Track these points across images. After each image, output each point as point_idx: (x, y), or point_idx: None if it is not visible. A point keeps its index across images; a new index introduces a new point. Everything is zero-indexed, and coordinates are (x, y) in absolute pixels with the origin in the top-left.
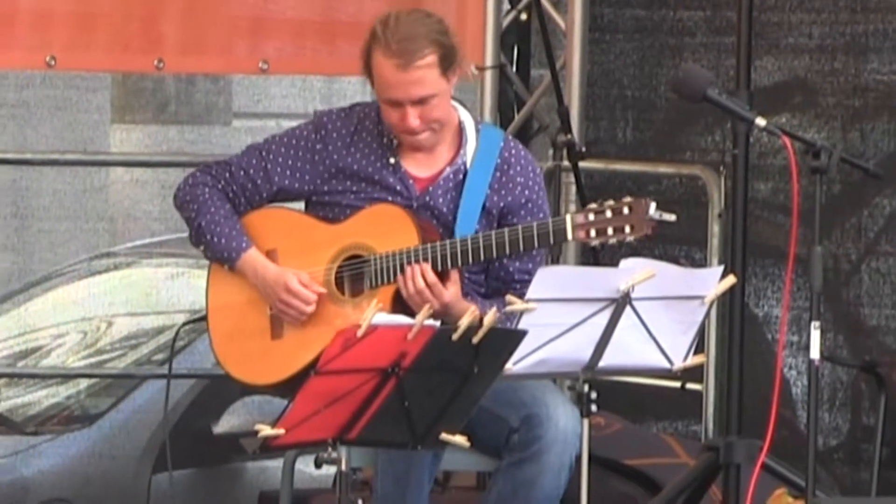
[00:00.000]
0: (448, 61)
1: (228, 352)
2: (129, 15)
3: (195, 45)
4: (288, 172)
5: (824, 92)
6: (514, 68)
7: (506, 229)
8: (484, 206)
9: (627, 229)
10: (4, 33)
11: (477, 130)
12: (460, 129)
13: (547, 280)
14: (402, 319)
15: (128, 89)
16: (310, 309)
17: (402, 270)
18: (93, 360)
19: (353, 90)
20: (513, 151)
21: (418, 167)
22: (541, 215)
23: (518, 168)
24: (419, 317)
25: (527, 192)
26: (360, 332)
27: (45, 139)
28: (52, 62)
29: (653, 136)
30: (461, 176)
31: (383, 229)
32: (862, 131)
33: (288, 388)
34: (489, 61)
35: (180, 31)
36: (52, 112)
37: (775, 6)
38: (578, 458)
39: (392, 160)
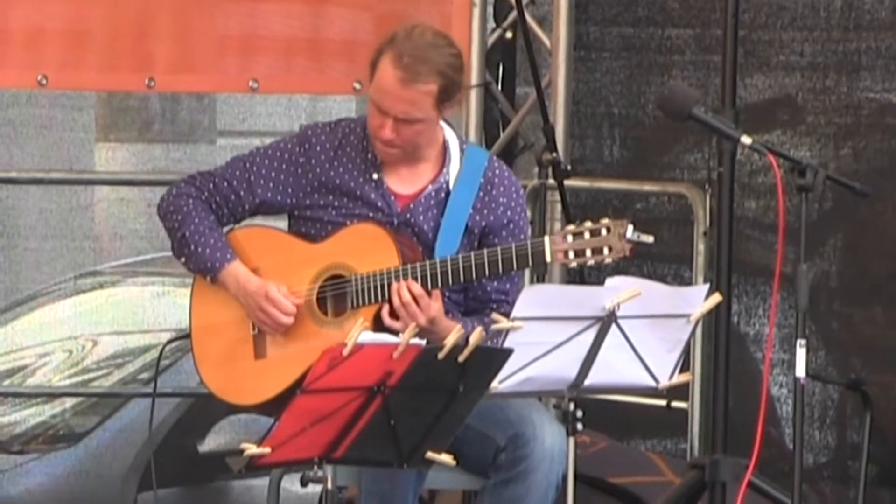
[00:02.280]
0: (446, 95)
1: (212, 372)
2: (119, 34)
3: (185, 64)
4: (271, 185)
5: (816, 110)
6: (500, 86)
7: (485, 251)
8: (466, 226)
9: (605, 251)
10: None
11: (462, 150)
12: (444, 148)
13: (533, 298)
14: (387, 338)
15: (113, 108)
16: (287, 320)
17: (384, 291)
18: (78, 378)
19: (338, 108)
20: (496, 172)
21: (401, 184)
22: (521, 236)
23: (501, 188)
24: (405, 335)
25: (509, 212)
26: (345, 351)
27: (31, 158)
28: (44, 81)
29: (640, 153)
30: (443, 194)
31: (364, 249)
32: (854, 149)
33: (272, 407)
34: (474, 79)
35: (171, 50)
36: (38, 131)
37: (766, 24)
38: (564, 477)
39: (375, 176)
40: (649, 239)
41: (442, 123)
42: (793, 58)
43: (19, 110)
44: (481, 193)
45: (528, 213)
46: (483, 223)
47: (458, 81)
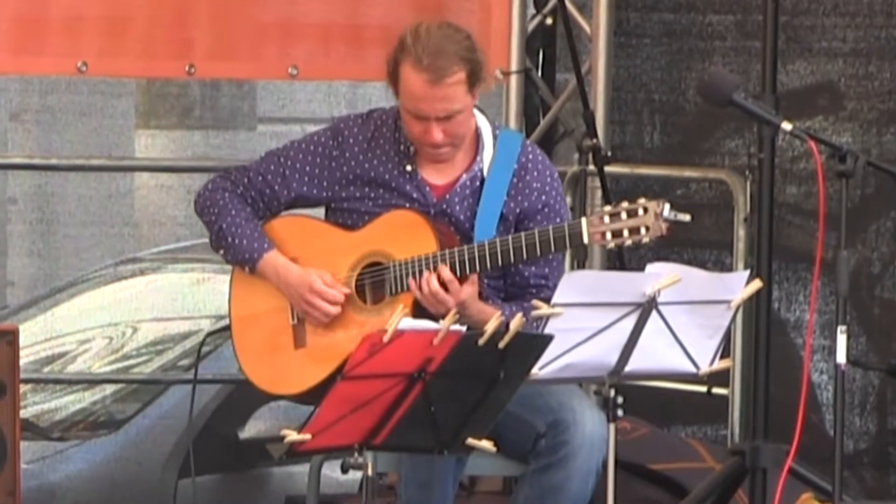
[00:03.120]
0: (475, 77)
1: (253, 363)
2: (159, 21)
3: (225, 50)
4: (306, 179)
5: (858, 96)
6: (540, 73)
7: (522, 233)
8: (501, 214)
9: (643, 230)
10: (36, 39)
11: (494, 136)
12: (477, 135)
13: (573, 284)
14: (428, 324)
15: (153, 94)
16: (335, 310)
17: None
18: (118, 365)
19: (378, 95)
20: (530, 157)
21: (435, 174)
22: (558, 220)
23: (535, 173)
24: (445, 321)
25: (543, 196)
26: (386, 338)
27: (71, 145)
28: (84, 68)
29: (680, 140)
30: (478, 183)
31: (402, 236)
32: None
33: (313, 397)
34: (514, 66)
35: (210, 36)
36: (77, 118)
37: (809, 10)
38: (605, 463)
39: (409, 168)
40: (686, 217)
41: (475, 111)
42: (835, 44)
43: (58, 97)
44: (515, 180)
45: (569, 200)
46: (518, 209)
47: (480, 60)
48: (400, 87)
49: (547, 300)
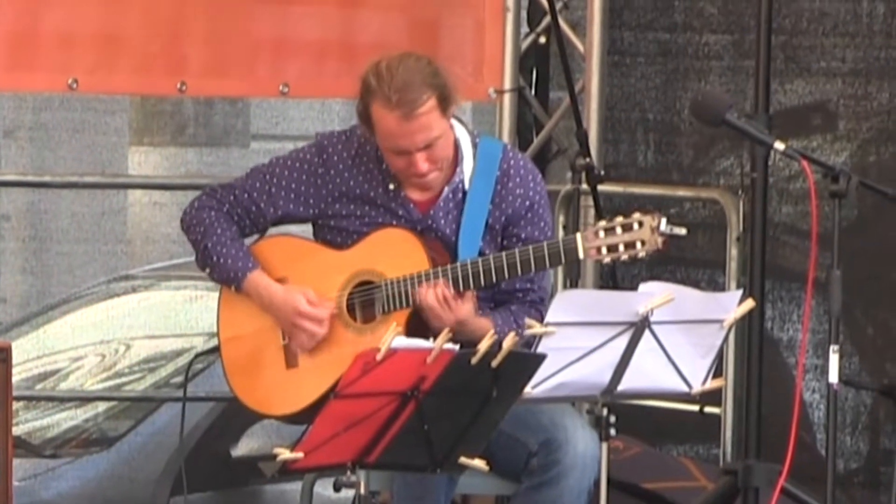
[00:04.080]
0: (446, 101)
1: (243, 383)
2: (151, 37)
3: (217, 68)
4: (292, 196)
5: (858, 116)
6: (533, 91)
7: (516, 250)
8: (487, 223)
9: (638, 245)
10: (27, 55)
11: (474, 145)
12: (456, 147)
13: (566, 304)
14: (421, 343)
15: (146, 112)
16: (323, 331)
17: (416, 295)
18: (111, 382)
19: None
20: (511, 162)
21: (417, 191)
22: (542, 224)
23: (518, 179)
24: (439, 340)
25: (527, 202)
26: (379, 356)
27: (64, 161)
28: (75, 85)
29: (674, 159)
30: (460, 194)
31: (392, 253)
32: None
33: (305, 417)
34: (508, 84)
35: (202, 54)
36: (71, 134)
37: (808, 30)
38: (597, 482)
39: (391, 186)
40: (682, 231)
41: (453, 122)
42: (834, 63)
43: (52, 114)
44: (498, 187)
45: (562, 218)
46: (503, 217)
47: (447, 83)
48: (375, 128)
49: (534, 302)
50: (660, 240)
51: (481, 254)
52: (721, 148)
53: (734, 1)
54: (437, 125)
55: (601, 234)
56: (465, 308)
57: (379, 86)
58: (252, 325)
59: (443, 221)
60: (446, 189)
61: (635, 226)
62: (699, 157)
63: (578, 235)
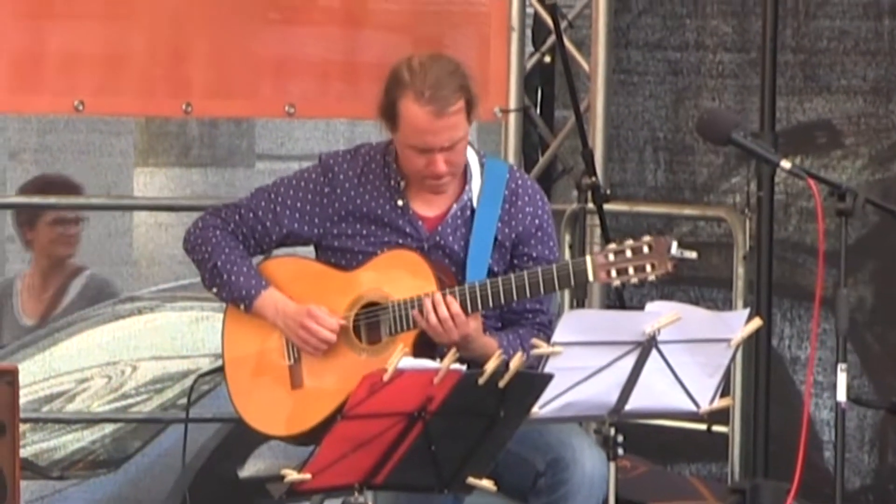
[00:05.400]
0: (471, 106)
1: (248, 404)
2: (156, 59)
3: (222, 89)
4: (297, 215)
5: (880, 134)
6: (539, 110)
7: (525, 272)
8: (496, 240)
9: (648, 268)
10: (32, 77)
11: (481, 164)
12: (465, 166)
13: (573, 323)
14: (428, 364)
15: (151, 133)
16: (331, 336)
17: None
18: (118, 404)
19: (376, 133)
20: (519, 182)
21: (425, 207)
22: (551, 243)
23: (526, 198)
24: (445, 361)
25: (536, 220)
26: (386, 377)
27: None
28: (81, 107)
29: (682, 177)
30: (468, 212)
31: (399, 275)
32: None
33: (311, 438)
34: (513, 104)
35: (207, 75)
36: (76, 156)
37: (828, 48)
38: (605, 502)
39: (400, 202)
40: (693, 255)
41: None
42: (855, 81)
43: (57, 136)
44: (507, 206)
45: (567, 238)
46: (513, 234)
47: (474, 88)
48: (400, 123)
49: (542, 325)
50: (670, 263)
51: (490, 270)
52: (729, 166)
53: (749, 20)
54: (462, 127)
55: (611, 256)
56: (472, 324)
57: (412, 80)
58: (257, 345)
59: (451, 238)
60: (454, 206)
61: (645, 249)
62: (707, 176)
63: (589, 258)
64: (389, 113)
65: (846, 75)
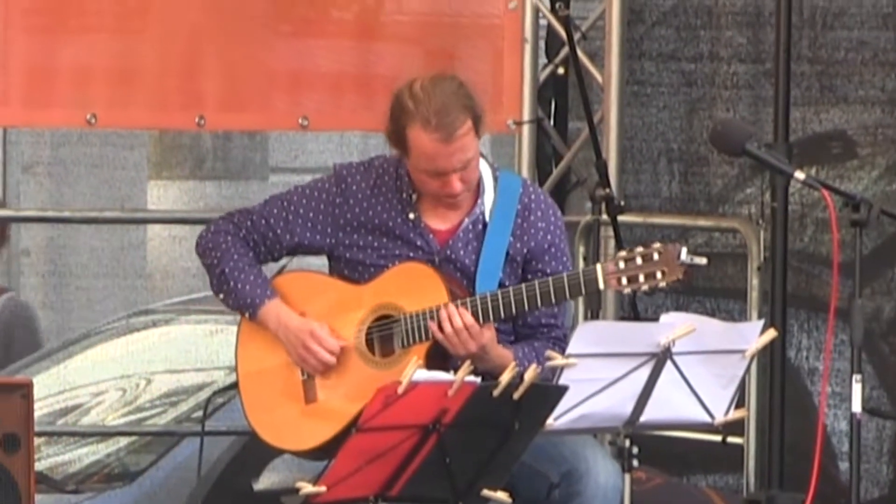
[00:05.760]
0: (478, 123)
1: (263, 419)
2: (169, 72)
3: (235, 101)
4: (309, 225)
5: (893, 144)
6: (552, 122)
7: (536, 282)
8: (508, 254)
9: (659, 275)
10: (45, 91)
11: (495, 178)
12: (477, 179)
13: (587, 335)
14: (442, 376)
15: (165, 146)
16: (331, 359)
17: None
18: (132, 417)
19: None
20: (532, 196)
21: (437, 220)
22: (564, 258)
23: (539, 213)
24: (460, 373)
25: (549, 236)
26: (400, 389)
27: (83, 197)
28: (93, 120)
29: (696, 188)
30: (480, 226)
31: (411, 287)
32: None
33: (325, 452)
34: (527, 115)
35: (220, 88)
36: (89, 170)
37: (846, 59)
38: None
39: (412, 215)
40: (702, 261)
41: None
42: (872, 92)
43: (70, 149)
44: (519, 220)
45: (581, 249)
46: (525, 249)
47: (478, 104)
48: (411, 151)
49: (558, 339)
50: (680, 270)
51: (501, 284)
52: (744, 177)
53: (764, 30)
54: (472, 146)
55: (621, 264)
56: (487, 335)
57: (417, 108)
58: (271, 360)
59: (462, 252)
60: (466, 220)
61: (655, 255)
62: (725, 187)
63: (598, 266)
64: (398, 140)
65: (864, 86)
